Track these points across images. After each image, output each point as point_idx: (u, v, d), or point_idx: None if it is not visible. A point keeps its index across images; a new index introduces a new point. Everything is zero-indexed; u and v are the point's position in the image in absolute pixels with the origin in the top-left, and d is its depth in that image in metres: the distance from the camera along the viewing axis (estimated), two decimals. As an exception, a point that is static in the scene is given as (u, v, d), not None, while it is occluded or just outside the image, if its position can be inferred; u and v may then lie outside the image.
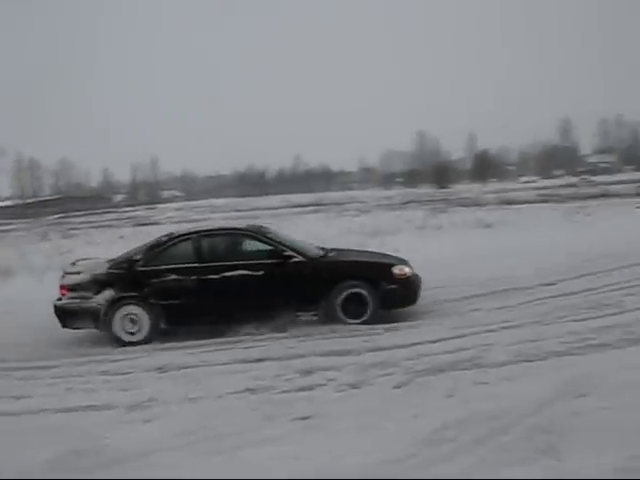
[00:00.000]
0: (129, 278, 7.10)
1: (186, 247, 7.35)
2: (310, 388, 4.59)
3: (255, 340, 6.46)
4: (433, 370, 4.76)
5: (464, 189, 62.46)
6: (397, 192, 66.17)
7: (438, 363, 4.92)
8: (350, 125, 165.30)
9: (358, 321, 6.99)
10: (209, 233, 7.65)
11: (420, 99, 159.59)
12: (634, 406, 3.55)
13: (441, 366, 4.83)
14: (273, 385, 4.71)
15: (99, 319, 6.94)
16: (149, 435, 3.87)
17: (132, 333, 6.96)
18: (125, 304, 7.00)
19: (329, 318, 7.03)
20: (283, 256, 7.22)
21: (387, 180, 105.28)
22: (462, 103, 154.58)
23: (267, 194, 77.17)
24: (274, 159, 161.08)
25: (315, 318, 7.11)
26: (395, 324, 6.64)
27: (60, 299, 7.16)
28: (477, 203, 29.88)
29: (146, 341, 6.88)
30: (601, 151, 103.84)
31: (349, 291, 7.10)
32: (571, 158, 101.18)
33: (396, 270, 7.30)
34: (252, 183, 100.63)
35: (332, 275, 7.24)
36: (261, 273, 7.10)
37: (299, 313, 7.11)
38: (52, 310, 7.10)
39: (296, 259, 7.25)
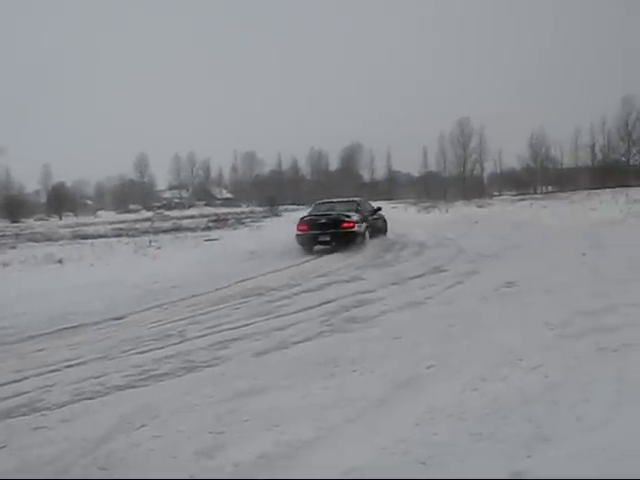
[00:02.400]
0: (363, 217, 16.34)
1: (362, 205, 17.36)
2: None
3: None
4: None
5: (38, 223, 59.66)
6: (-40, 228, 58.82)
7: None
8: None
9: (385, 236, 18.04)
10: (361, 200, 18.01)
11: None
12: (183, 431, 3.82)
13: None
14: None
15: (363, 235, 15.79)
16: None
17: (365, 239, 15.99)
18: (366, 228, 16.11)
19: (384, 235, 18.15)
20: (376, 211, 17.98)
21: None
22: (37, 132, 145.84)
23: None
24: None
25: (382, 236, 17.74)
26: None
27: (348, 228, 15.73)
28: (50, 238, 28.80)
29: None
30: (175, 187, 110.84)
31: (385, 225, 18.72)
32: (147, 193, 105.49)
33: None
34: None
35: (384, 218, 18.96)
36: (378, 216, 17.95)
37: (379, 235, 17.41)
38: None
39: (380, 212, 18.22)
